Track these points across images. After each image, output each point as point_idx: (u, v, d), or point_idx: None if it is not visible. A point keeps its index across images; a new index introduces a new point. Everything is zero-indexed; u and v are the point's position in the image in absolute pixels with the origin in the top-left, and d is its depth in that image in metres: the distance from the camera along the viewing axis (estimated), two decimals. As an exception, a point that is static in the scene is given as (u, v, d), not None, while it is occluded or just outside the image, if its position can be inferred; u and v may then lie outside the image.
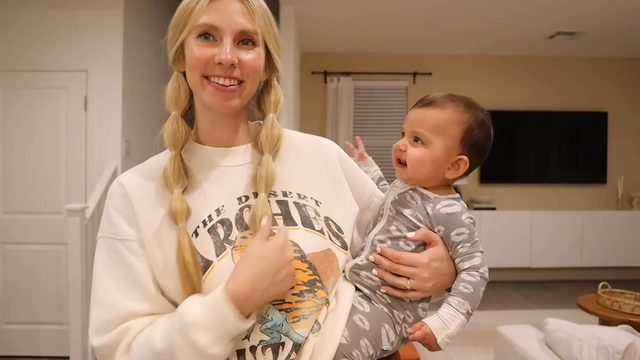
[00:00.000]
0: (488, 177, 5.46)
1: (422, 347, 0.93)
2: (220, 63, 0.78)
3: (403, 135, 0.92)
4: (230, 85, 0.80)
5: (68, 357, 2.87)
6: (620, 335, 1.57)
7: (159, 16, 3.87)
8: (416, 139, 0.88)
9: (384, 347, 0.82)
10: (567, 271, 5.29)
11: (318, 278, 0.79)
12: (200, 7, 0.79)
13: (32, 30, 3.16)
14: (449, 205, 0.86)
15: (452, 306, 0.81)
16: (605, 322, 2.72)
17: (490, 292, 4.77)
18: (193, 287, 0.75)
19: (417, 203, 0.88)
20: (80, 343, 2.79)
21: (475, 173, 5.47)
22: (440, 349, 0.81)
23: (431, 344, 0.80)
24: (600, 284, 2.96)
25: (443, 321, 0.80)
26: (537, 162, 5.45)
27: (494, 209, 5.21)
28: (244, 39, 0.81)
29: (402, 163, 0.89)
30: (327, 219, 0.86)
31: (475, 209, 5.17)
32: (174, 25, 0.83)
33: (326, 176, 0.92)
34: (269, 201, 0.82)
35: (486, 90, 5.48)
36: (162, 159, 0.86)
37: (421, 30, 4.63)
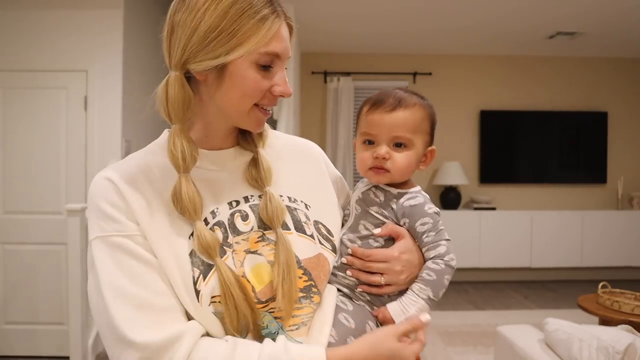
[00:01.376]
0: (488, 177, 5.46)
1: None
2: (281, 95, 0.77)
3: (369, 142, 0.89)
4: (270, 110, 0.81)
5: (68, 357, 2.88)
6: (620, 335, 1.57)
7: (159, 16, 3.86)
8: (398, 144, 0.88)
9: None
10: (567, 271, 5.28)
11: (313, 283, 0.79)
12: (267, 31, 0.73)
13: (32, 30, 3.16)
14: (411, 198, 0.88)
15: (413, 291, 0.84)
16: (605, 322, 2.72)
17: (490, 292, 4.78)
18: (241, 319, 0.71)
19: (380, 200, 0.89)
20: (80, 343, 2.79)
21: (475, 173, 5.47)
22: None
23: None
24: (600, 284, 2.96)
25: (402, 305, 0.83)
26: (537, 162, 5.45)
27: (494, 209, 5.21)
28: None
29: (380, 169, 0.88)
30: (316, 222, 0.85)
31: (475, 209, 5.17)
32: (220, 33, 0.71)
33: (314, 179, 0.91)
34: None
35: (486, 90, 5.48)
36: (141, 159, 0.81)
37: (421, 30, 4.63)
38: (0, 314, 3.16)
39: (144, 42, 3.57)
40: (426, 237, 0.86)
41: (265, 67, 0.75)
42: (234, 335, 0.72)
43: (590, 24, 4.33)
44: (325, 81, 5.45)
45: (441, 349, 3.32)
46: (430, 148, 0.92)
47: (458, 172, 5.15)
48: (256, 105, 0.77)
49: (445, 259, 0.85)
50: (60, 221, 3.11)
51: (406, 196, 0.89)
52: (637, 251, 5.15)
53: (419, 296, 0.83)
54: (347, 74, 5.39)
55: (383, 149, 0.87)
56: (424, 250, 0.87)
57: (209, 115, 0.80)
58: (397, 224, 0.88)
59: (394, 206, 0.88)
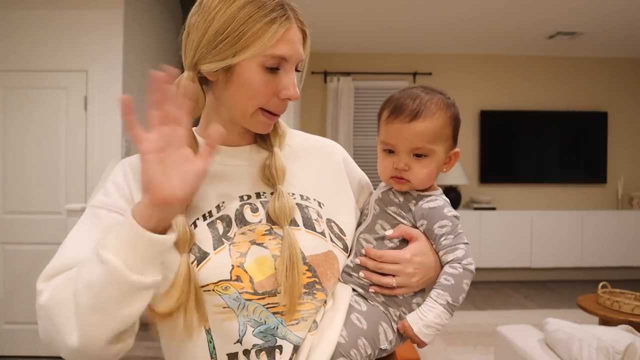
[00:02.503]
0: (488, 177, 5.46)
1: (423, 348, 0.94)
2: (288, 99, 0.78)
3: (390, 151, 0.88)
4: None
5: (68, 357, 2.87)
6: (620, 335, 1.57)
7: (159, 16, 3.87)
8: (418, 154, 0.86)
9: (382, 347, 0.82)
10: (567, 271, 5.28)
11: (318, 280, 0.79)
12: (273, 34, 0.74)
13: (32, 30, 3.16)
14: (431, 200, 0.87)
15: (431, 297, 0.83)
16: (605, 322, 2.72)
17: (490, 292, 4.78)
18: (178, 306, 0.72)
19: (399, 201, 0.88)
20: (80, 343, 2.79)
21: (475, 173, 5.47)
22: (423, 342, 0.81)
23: (411, 336, 0.82)
24: (600, 284, 2.96)
25: (420, 312, 0.82)
26: (537, 162, 5.45)
27: (494, 209, 5.21)
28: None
29: (401, 179, 0.87)
30: (329, 220, 0.86)
31: (475, 209, 5.17)
32: (228, 36, 0.73)
33: (330, 178, 0.92)
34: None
35: (486, 90, 5.48)
36: None
37: (421, 30, 4.63)
38: (0, 314, 3.16)
39: (144, 42, 3.57)
40: (444, 239, 0.85)
41: (272, 70, 0.76)
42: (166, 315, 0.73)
43: (590, 24, 4.33)
44: (325, 81, 5.45)
45: (441, 349, 3.32)
46: (453, 151, 0.90)
47: (458, 172, 5.15)
48: (262, 109, 0.78)
49: (464, 262, 0.84)
50: (60, 221, 3.11)
51: (426, 199, 0.87)
52: (637, 251, 5.15)
53: (436, 302, 0.82)
54: (347, 74, 5.39)
55: (402, 161, 0.85)
56: (441, 253, 0.85)
57: (223, 114, 0.82)
58: (414, 226, 0.87)
59: (413, 208, 0.87)
